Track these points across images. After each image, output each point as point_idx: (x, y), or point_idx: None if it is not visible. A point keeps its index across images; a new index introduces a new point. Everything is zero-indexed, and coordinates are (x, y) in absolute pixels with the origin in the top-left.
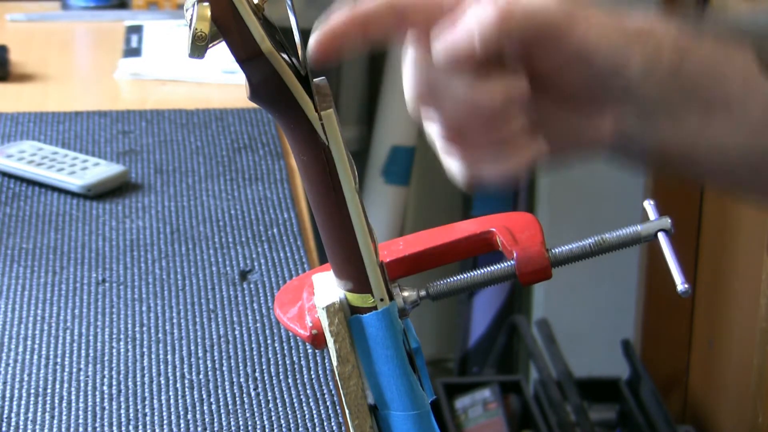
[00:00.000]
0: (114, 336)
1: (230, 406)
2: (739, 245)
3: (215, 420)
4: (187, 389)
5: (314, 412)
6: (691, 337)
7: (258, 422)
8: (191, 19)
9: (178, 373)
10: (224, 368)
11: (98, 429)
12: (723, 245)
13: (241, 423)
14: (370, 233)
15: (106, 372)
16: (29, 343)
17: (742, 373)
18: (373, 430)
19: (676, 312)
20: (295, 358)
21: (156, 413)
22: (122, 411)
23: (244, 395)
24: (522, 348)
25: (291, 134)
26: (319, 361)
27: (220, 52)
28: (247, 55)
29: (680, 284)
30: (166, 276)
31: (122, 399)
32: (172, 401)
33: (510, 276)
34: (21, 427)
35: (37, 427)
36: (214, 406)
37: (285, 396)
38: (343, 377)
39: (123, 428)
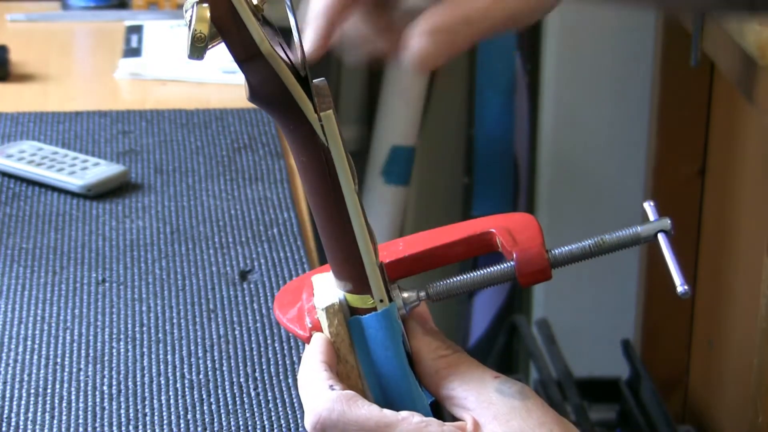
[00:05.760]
0: (114, 336)
1: (230, 406)
2: (739, 245)
3: (215, 420)
4: (187, 389)
5: None
6: (691, 337)
7: (258, 422)
8: (190, 20)
9: (178, 373)
10: (224, 368)
11: (98, 429)
12: (723, 245)
13: (241, 423)
14: (370, 234)
15: (106, 372)
16: (29, 343)
17: (742, 373)
18: None
19: (676, 312)
20: (295, 358)
21: (156, 413)
22: (122, 411)
23: (244, 395)
24: (522, 348)
25: (290, 135)
26: None
27: (220, 52)
28: (247, 56)
29: (680, 285)
30: (166, 276)
31: (122, 399)
32: (172, 401)
33: (510, 277)
34: (21, 427)
35: (37, 427)
36: (214, 406)
37: (285, 396)
38: (343, 378)
39: (123, 428)
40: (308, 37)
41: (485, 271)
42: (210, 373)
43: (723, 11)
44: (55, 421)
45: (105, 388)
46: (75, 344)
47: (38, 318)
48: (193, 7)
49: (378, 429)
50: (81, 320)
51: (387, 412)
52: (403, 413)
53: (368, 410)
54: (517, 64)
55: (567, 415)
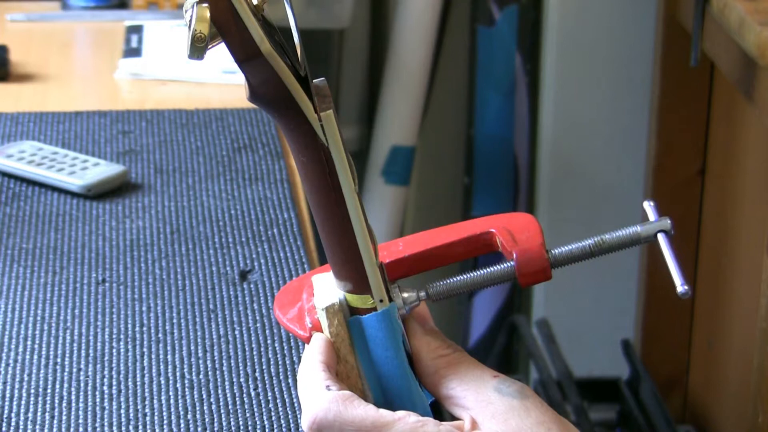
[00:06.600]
0: (114, 336)
1: (230, 406)
2: (739, 245)
3: (215, 420)
4: (187, 389)
5: None
6: (691, 337)
7: (258, 422)
8: (190, 21)
9: (178, 373)
10: (224, 368)
11: (98, 429)
12: (723, 245)
13: (241, 423)
14: (370, 234)
15: (106, 372)
16: (29, 343)
17: (742, 373)
18: None
19: (676, 312)
20: (295, 358)
21: (156, 413)
22: (122, 411)
23: (244, 395)
24: (522, 348)
25: (290, 135)
26: None
27: (220, 53)
28: (247, 56)
29: (680, 286)
30: (166, 276)
31: (122, 399)
32: (172, 401)
33: (510, 277)
34: (21, 427)
35: (37, 427)
36: (214, 406)
37: (285, 396)
38: (343, 378)
39: (123, 428)
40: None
41: (485, 271)
42: (210, 373)
43: None
44: (55, 421)
45: (105, 388)
46: (75, 344)
47: (38, 318)
48: (193, 7)
49: (374, 429)
50: (81, 320)
51: (383, 411)
52: (400, 413)
53: (364, 410)
54: (517, 64)
55: (567, 415)
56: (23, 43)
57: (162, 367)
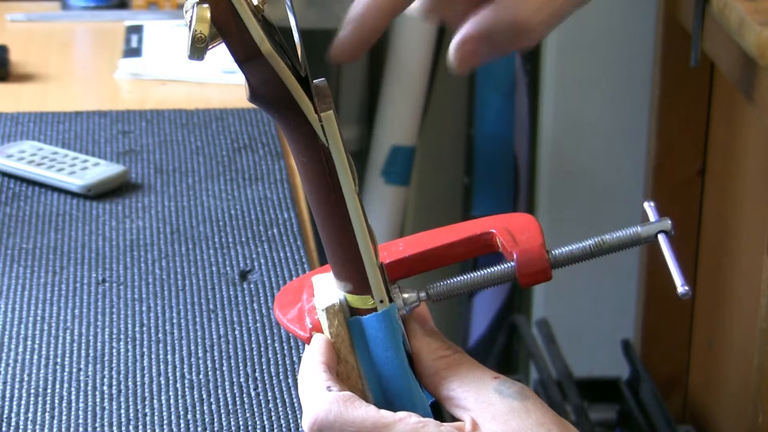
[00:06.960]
0: (114, 336)
1: (230, 406)
2: (739, 245)
3: (215, 420)
4: (187, 389)
5: None
6: (691, 337)
7: (258, 422)
8: (191, 21)
9: (178, 373)
10: (224, 368)
11: (98, 429)
12: (723, 245)
13: (241, 423)
14: (370, 235)
15: (106, 372)
16: (29, 343)
17: (742, 373)
18: None
19: (676, 312)
20: (295, 358)
21: (156, 413)
22: (122, 411)
23: (244, 395)
24: (522, 348)
25: (291, 135)
26: None
27: (221, 52)
28: (247, 57)
29: (680, 286)
30: (166, 276)
31: (122, 399)
32: (172, 401)
33: (510, 277)
34: (21, 427)
35: (37, 427)
36: (214, 406)
37: (285, 396)
38: (343, 378)
39: (123, 428)
40: (345, 40)
41: (485, 271)
42: (210, 373)
43: None
44: (55, 421)
45: (105, 388)
46: (75, 344)
47: (38, 318)
48: (193, 7)
49: (375, 430)
50: (81, 320)
51: (384, 412)
52: (401, 414)
53: (365, 411)
54: (517, 64)
55: (567, 415)
56: (23, 43)
57: (162, 367)
